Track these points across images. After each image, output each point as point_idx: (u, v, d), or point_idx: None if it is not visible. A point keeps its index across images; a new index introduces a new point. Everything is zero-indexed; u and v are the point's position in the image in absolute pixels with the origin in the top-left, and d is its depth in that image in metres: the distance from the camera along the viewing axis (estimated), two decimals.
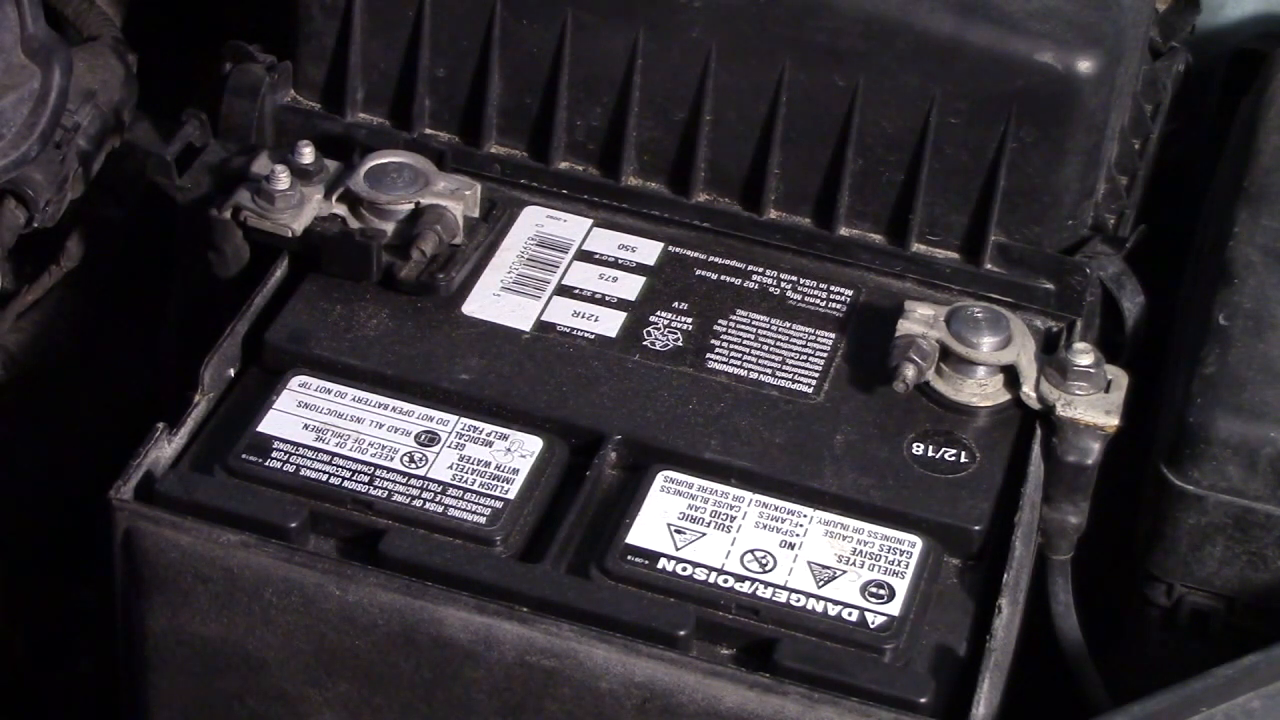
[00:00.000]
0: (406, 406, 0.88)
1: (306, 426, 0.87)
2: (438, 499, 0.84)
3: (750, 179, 0.98)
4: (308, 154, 0.96)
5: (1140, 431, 0.92)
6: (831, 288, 0.96)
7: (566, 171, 1.00)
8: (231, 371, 0.91)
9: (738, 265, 0.97)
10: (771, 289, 0.96)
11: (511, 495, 0.85)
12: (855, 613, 0.81)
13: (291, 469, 0.85)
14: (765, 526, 0.84)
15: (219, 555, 0.83)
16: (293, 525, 0.83)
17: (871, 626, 0.81)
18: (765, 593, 0.82)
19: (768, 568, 0.83)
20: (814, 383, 0.91)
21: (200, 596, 0.83)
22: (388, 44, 1.00)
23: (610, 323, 0.93)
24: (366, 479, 0.85)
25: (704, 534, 0.84)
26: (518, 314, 0.93)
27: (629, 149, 0.99)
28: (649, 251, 0.97)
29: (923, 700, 0.78)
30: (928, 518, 0.85)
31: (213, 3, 1.17)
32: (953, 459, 0.88)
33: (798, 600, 0.82)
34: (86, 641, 1.04)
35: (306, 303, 0.93)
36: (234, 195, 0.96)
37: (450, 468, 0.86)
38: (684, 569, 0.82)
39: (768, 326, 0.94)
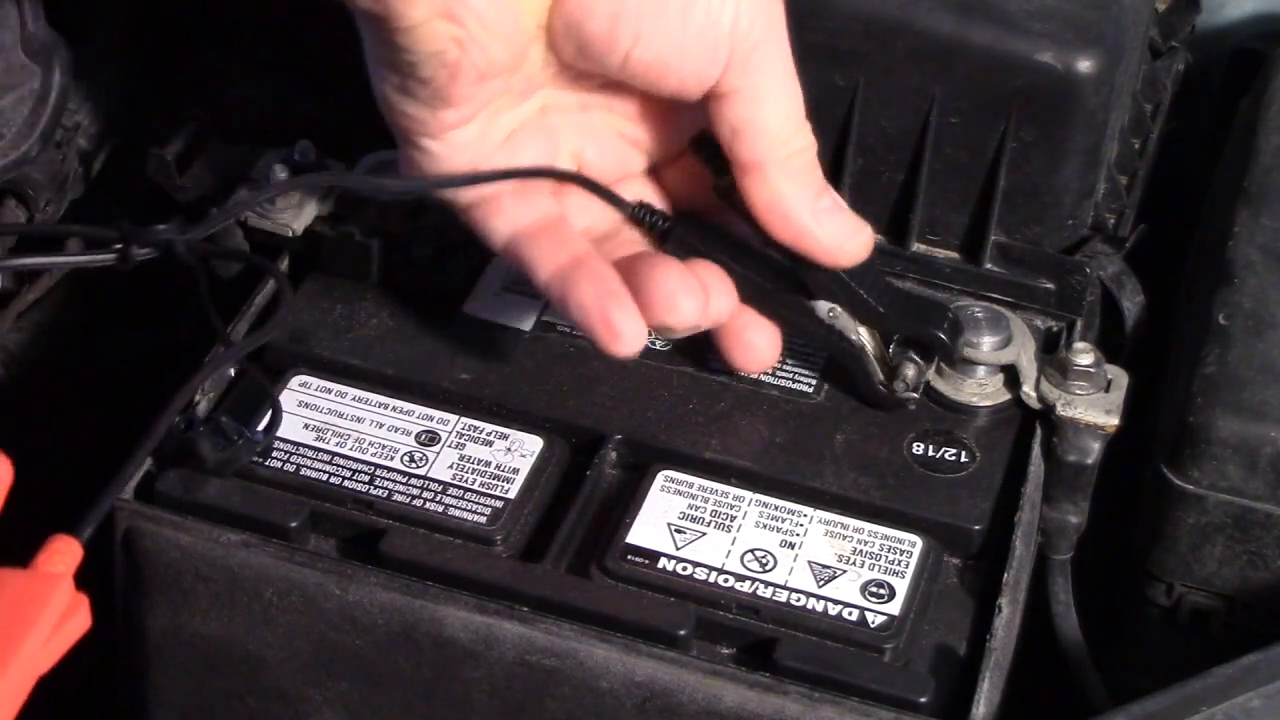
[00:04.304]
0: (407, 406, 0.88)
1: (307, 426, 0.87)
2: (438, 498, 0.84)
3: None
4: (308, 153, 0.97)
5: (1140, 431, 0.92)
6: None
7: None
8: (232, 372, 0.91)
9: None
10: None
11: (512, 495, 0.85)
12: (855, 612, 0.81)
13: (292, 468, 0.85)
14: (765, 526, 0.84)
15: (219, 555, 0.83)
16: (293, 525, 0.83)
17: (871, 626, 0.81)
18: (765, 592, 0.82)
19: (768, 567, 0.83)
20: (814, 382, 0.91)
21: (201, 596, 0.83)
22: None
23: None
24: (367, 478, 0.85)
25: (704, 533, 0.84)
26: (518, 314, 0.93)
27: None
28: None
29: (923, 700, 0.78)
30: (928, 517, 0.85)
31: (214, 2, 1.17)
32: (953, 459, 0.88)
33: (798, 600, 0.82)
34: (87, 640, 1.04)
35: (307, 302, 0.93)
36: (234, 195, 0.96)
37: (450, 467, 0.86)
38: (684, 568, 0.83)
39: None
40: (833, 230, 0.85)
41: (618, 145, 0.88)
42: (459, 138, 0.84)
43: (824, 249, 0.85)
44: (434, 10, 0.79)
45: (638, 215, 0.88)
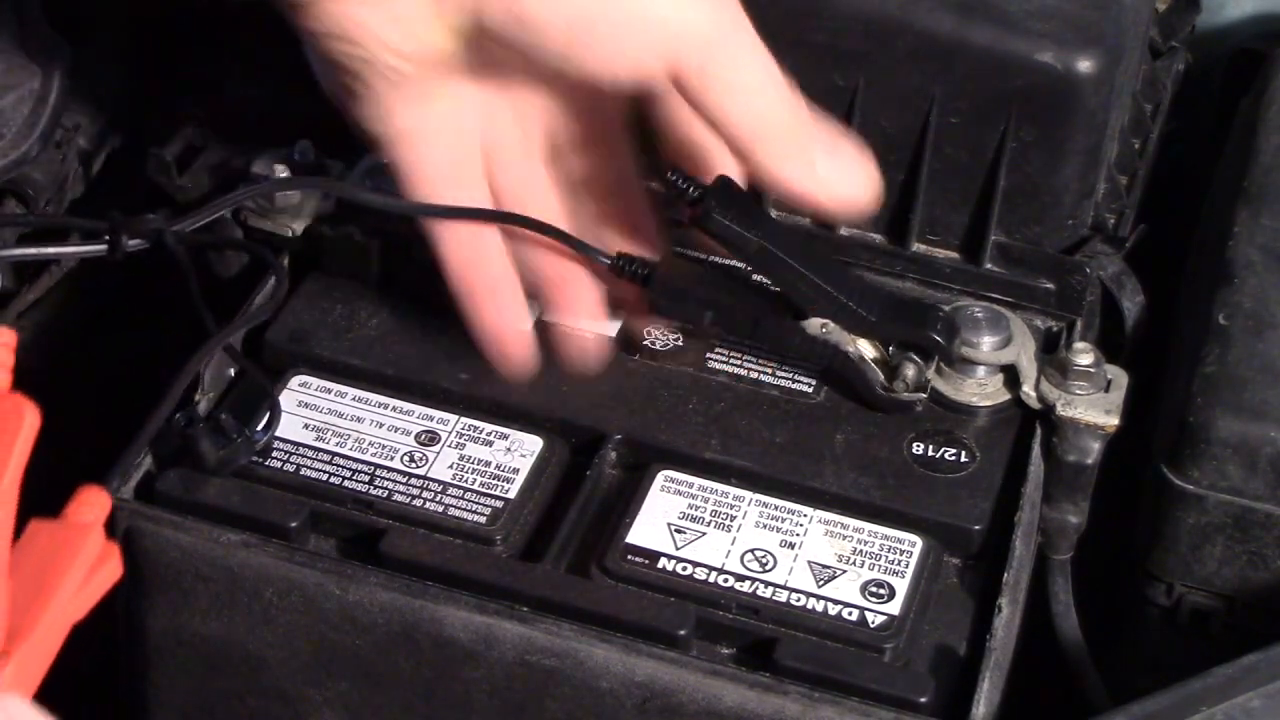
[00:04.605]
0: (407, 406, 0.88)
1: (307, 426, 0.87)
2: (438, 498, 0.84)
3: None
4: (308, 153, 0.97)
5: (1140, 431, 0.92)
6: None
7: None
8: (231, 371, 0.91)
9: (738, 265, 0.97)
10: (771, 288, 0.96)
11: (512, 495, 0.85)
12: (855, 612, 0.81)
13: (292, 468, 0.85)
14: (765, 526, 0.84)
15: (219, 555, 0.83)
16: (293, 525, 0.83)
17: (871, 626, 0.81)
18: (765, 592, 0.82)
19: (768, 567, 0.83)
20: (814, 382, 0.91)
21: (201, 596, 0.83)
22: None
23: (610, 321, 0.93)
24: (367, 478, 0.85)
25: (704, 533, 0.84)
26: None
27: None
28: None
29: (923, 700, 0.78)
30: (928, 517, 0.85)
31: (214, 2, 1.17)
32: (953, 458, 0.88)
33: (798, 600, 0.82)
34: (87, 640, 1.04)
35: (307, 302, 0.93)
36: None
37: (450, 467, 0.86)
38: (684, 568, 0.83)
39: None
40: (835, 189, 0.86)
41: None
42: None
43: (830, 210, 0.87)
44: (333, 29, 0.81)
45: (617, 267, 0.88)
